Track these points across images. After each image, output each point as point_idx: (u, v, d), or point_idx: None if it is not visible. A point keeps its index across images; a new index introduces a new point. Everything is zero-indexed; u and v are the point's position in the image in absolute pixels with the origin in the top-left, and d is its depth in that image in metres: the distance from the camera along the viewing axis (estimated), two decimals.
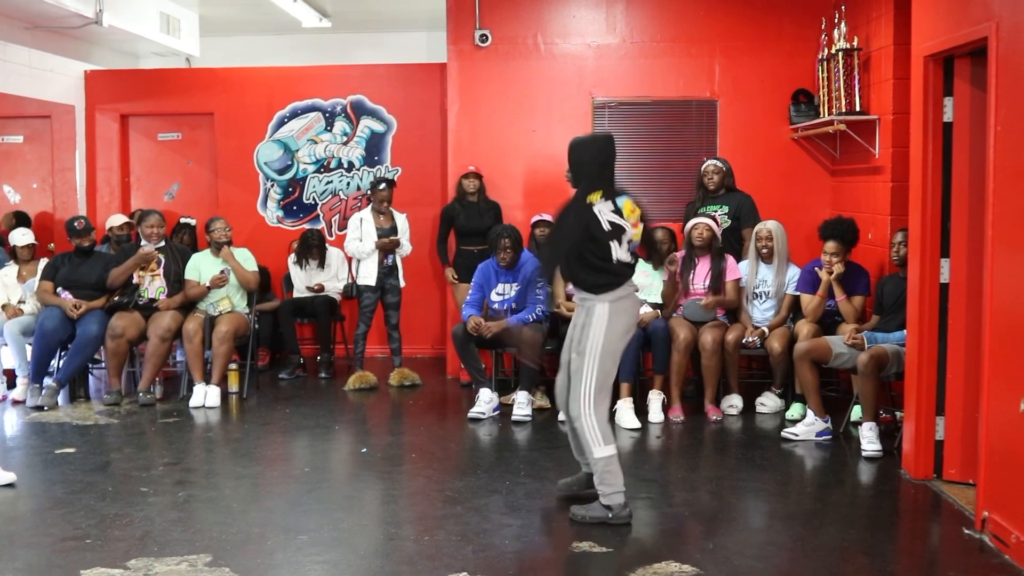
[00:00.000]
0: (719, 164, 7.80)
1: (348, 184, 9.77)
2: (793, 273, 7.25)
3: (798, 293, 7.10)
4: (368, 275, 8.22)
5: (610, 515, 4.85)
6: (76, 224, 7.86)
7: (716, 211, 7.64)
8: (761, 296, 7.29)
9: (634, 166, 8.54)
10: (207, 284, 7.76)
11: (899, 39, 6.79)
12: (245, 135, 9.80)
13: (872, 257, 7.22)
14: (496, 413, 7.24)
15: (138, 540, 4.70)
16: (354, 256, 8.33)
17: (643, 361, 7.63)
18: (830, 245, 6.79)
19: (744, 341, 7.12)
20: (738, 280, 7.32)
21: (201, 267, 7.85)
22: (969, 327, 5.32)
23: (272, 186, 9.82)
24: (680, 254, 7.39)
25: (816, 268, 6.90)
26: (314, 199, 9.80)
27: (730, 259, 7.37)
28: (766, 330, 7.13)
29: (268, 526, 4.93)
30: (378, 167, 9.74)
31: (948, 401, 5.50)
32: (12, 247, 8.33)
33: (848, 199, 7.93)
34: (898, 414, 6.33)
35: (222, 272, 7.79)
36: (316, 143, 9.77)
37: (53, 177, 9.72)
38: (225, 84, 9.88)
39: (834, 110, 7.51)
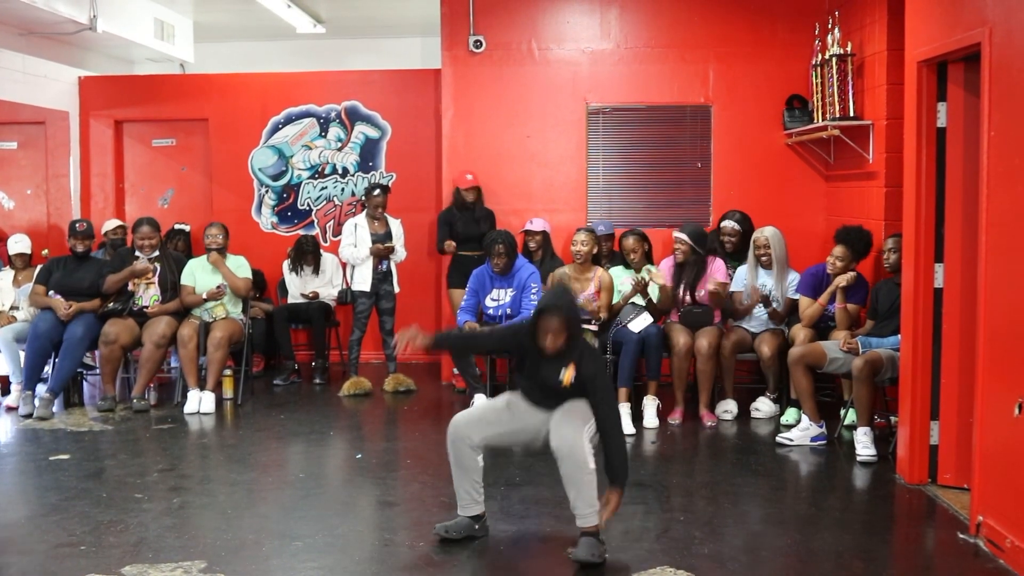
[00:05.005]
0: (736, 226, 7.64)
1: (342, 190, 9.77)
2: (793, 278, 7.26)
3: (798, 296, 7.11)
4: (363, 281, 8.21)
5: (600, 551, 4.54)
6: (78, 226, 7.87)
7: (716, 259, 7.50)
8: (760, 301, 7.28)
9: (628, 171, 8.57)
10: (204, 296, 7.75)
11: (893, 44, 6.81)
12: (239, 141, 9.80)
13: (866, 262, 7.22)
14: None
15: (132, 547, 4.69)
16: (349, 262, 8.32)
17: (639, 367, 7.62)
18: (838, 250, 6.81)
19: (709, 288, 7.12)
20: (724, 283, 7.34)
21: (197, 273, 7.84)
22: (963, 332, 5.33)
23: (266, 192, 9.82)
24: (668, 261, 7.42)
25: (828, 272, 6.90)
26: (308, 205, 9.80)
27: (716, 261, 7.38)
28: (724, 283, 7.17)
29: (263, 532, 4.92)
30: (372, 173, 9.74)
31: (943, 406, 5.51)
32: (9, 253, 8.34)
33: (842, 204, 7.94)
34: (893, 419, 6.34)
35: (219, 287, 7.77)
36: (310, 149, 9.77)
37: (47, 183, 9.71)
38: (220, 90, 9.88)
39: (828, 115, 7.52)
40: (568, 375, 4.62)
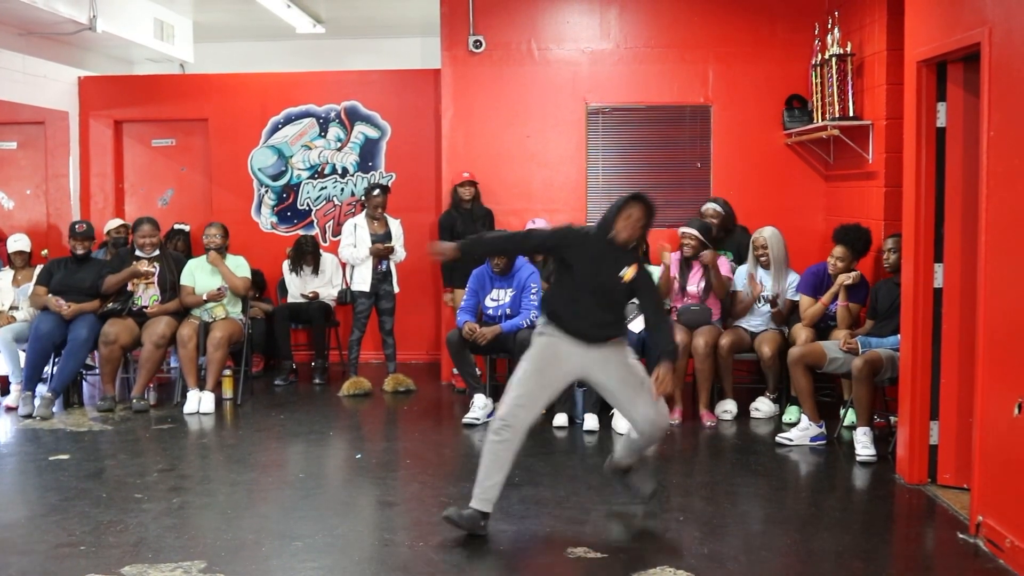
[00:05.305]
0: (718, 208, 7.68)
1: (342, 190, 9.77)
2: (793, 279, 7.26)
3: (799, 296, 7.11)
4: (362, 281, 8.21)
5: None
6: (77, 227, 7.87)
7: (722, 256, 7.58)
8: (760, 300, 7.29)
9: (627, 172, 8.57)
10: (204, 297, 7.75)
11: (892, 44, 6.81)
12: (239, 141, 9.80)
13: (866, 262, 7.22)
14: (491, 419, 7.21)
15: (132, 547, 4.68)
16: (348, 262, 8.33)
17: None
18: (838, 250, 6.81)
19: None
20: (728, 278, 7.37)
21: (196, 273, 7.84)
22: (963, 332, 5.33)
23: (266, 192, 9.82)
24: (675, 255, 7.41)
25: (829, 273, 6.91)
26: (308, 205, 9.80)
27: (720, 258, 7.40)
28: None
29: (263, 532, 4.92)
30: (372, 173, 9.74)
31: (942, 406, 5.51)
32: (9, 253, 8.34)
33: (842, 204, 7.94)
34: (892, 419, 6.34)
35: (220, 290, 7.77)
36: (310, 149, 9.77)
37: (47, 183, 9.71)
38: (219, 90, 9.88)
39: (827, 115, 7.52)
40: (630, 273, 4.81)
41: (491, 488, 4.81)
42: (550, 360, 4.86)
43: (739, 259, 7.62)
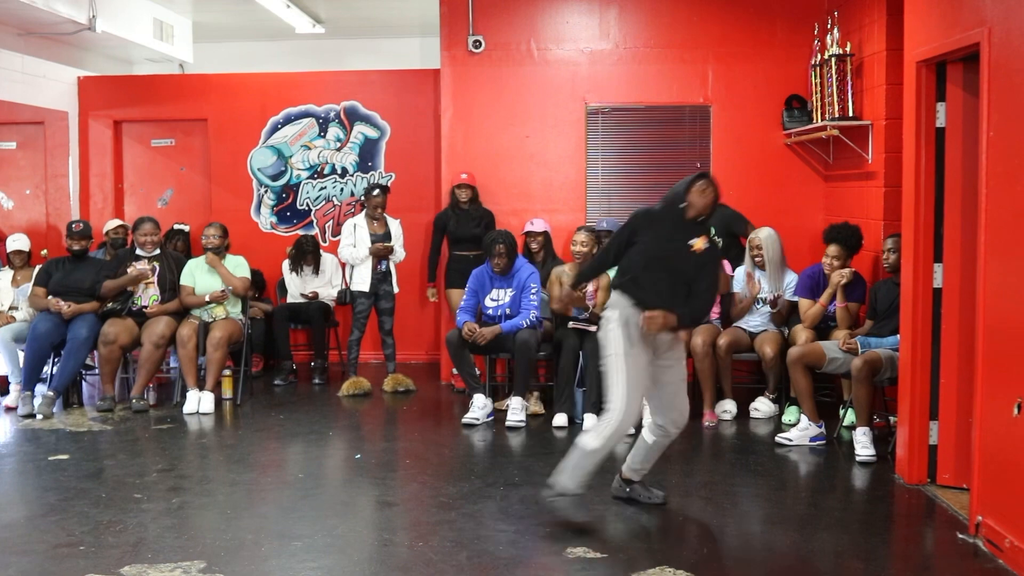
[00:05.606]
0: None
1: (342, 190, 9.77)
2: (791, 279, 7.26)
3: (797, 298, 7.11)
4: (362, 281, 8.21)
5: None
6: (74, 226, 7.89)
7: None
8: (759, 301, 7.29)
9: (627, 172, 8.57)
10: (207, 298, 7.75)
11: (892, 44, 6.81)
12: (239, 141, 9.80)
13: (865, 262, 7.23)
14: (490, 419, 7.24)
15: (132, 547, 4.69)
16: (348, 262, 8.33)
17: None
18: (832, 249, 6.82)
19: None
20: (729, 275, 7.40)
21: (196, 274, 7.84)
22: (962, 332, 5.34)
23: (266, 192, 9.82)
24: None
25: (825, 273, 6.91)
26: (308, 205, 9.80)
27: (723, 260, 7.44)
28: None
29: (262, 532, 4.92)
30: (372, 173, 9.74)
31: (942, 406, 5.51)
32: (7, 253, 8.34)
33: (841, 204, 7.94)
34: (892, 419, 6.34)
35: (223, 292, 7.77)
36: (310, 149, 9.77)
37: (47, 183, 9.71)
38: (219, 90, 9.88)
39: (827, 115, 7.53)
40: (699, 243, 4.99)
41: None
42: (641, 368, 5.00)
43: (722, 234, 7.60)
